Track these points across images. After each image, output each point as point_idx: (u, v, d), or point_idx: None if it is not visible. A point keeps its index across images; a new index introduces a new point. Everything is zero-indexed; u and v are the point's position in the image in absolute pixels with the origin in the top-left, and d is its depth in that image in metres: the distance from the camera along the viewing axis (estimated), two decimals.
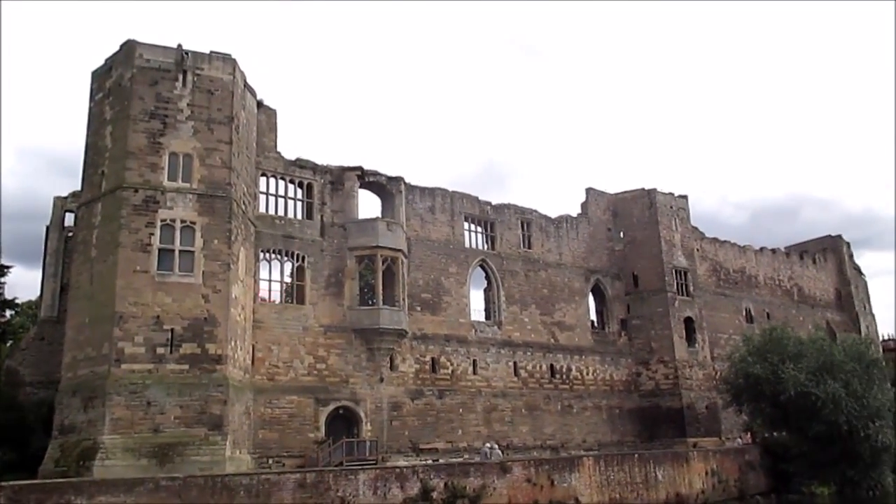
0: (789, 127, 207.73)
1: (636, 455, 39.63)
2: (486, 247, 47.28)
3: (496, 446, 41.11)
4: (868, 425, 42.26)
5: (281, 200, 38.48)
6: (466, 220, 46.55)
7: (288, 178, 38.68)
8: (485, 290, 47.30)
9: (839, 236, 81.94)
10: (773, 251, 72.30)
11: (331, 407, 36.19)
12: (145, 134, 31.00)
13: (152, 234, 29.92)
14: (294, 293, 37.65)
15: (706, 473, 41.64)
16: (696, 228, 60.55)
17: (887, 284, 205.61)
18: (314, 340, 36.79)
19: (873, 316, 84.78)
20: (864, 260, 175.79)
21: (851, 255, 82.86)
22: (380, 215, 41.59)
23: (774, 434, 46.96)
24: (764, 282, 68.50)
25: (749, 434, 51.03)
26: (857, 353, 47.08)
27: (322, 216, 39.04)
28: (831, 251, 79.79)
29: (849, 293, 78.91)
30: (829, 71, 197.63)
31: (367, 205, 43.74)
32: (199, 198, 31.18)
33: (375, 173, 41.52)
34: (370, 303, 40.41)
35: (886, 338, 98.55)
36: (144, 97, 31.43)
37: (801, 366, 43.99)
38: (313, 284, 37.66)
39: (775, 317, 64.31)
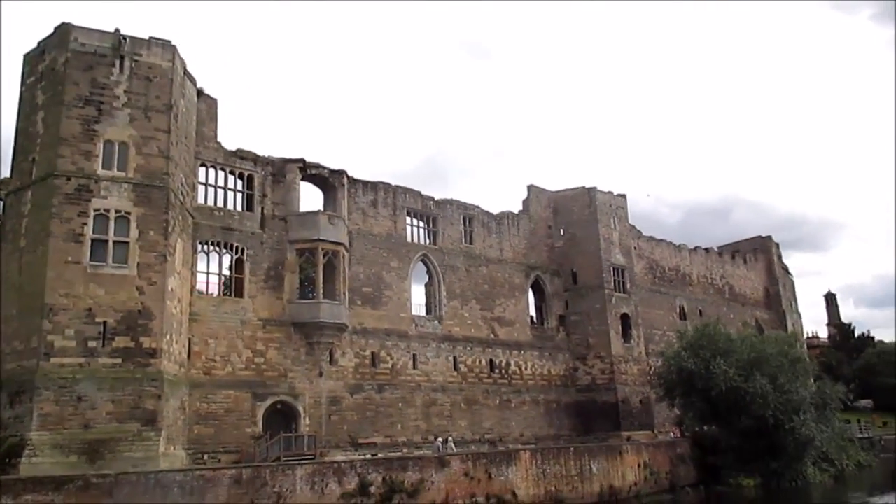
0: (723, 131, 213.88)
1: (572, 449, 40.38)
2: (427, 242, 47.38)
3: (451, 440, 41.50)
4: (792, 419, 44.01)
5: (220, 191, 37.75)
6: (409, 214, 46.56)
7: (228, 169, 37.99)
8: (426, 285, 47.42)
9: (769, 237, 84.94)
10: (707, 251, 74.51)
11: (269, 402, 35.74)
12: (79, 120, 30.02)
13: (85, 223, 29.03)
14: (233, 286, 37.01)
15: (639, 466, 42.69)
16: (633, 227, 61.89)
17: (813, 284, 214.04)
18: (252, 334, 36.28)
19: (799, 314, 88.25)
20: (792, 260, 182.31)
21: (780, 256, 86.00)
22: (321, 208, 41.25)
23: (705, 428, 48.43)
24: (697, 280, 70.54)
25: (677, 428, 52.57)
26: (783, 349, 49.00)
27: (263, 208, 38.50)
28: (761, 251, 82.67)
29: (777, 292, 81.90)
30: (763, 79, 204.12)
31: (309, 198, 43.37)
32: (135, 187, 30.38)
33: (318, 166, 41.16)
34: (310, 296, 40.05)
35: (810, 335, 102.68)
36: (79, 82, 30.43)
37: (731, 361, 45.53)
38: (252, 277, 37.13)
39: (707, 314, 66.29)
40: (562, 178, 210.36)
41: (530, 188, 56.49)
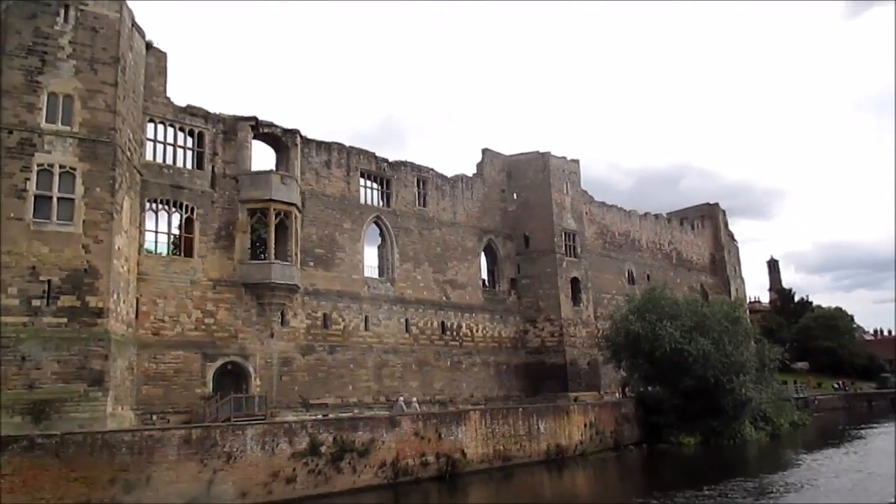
0: (676, 100, 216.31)
1: (520, 409, 41.20)
2: (381, 204, 47.18)
3: (414, 400, 41.97)
4: (732, 380, 45.66)
5: (170, 149, 36.78)
6: (363, 176, 46.19)
7: (177, 126, 37.05)
8: (379, 247, 47.34)
9: (716, 205, 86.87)
10: (656, 217, 75.87)
11: (219, 362, 35.52)
12: (21, 71, 28.82)
13: (28, 179, 28.07)
14: (182, 246, 36.43)
15: (585, 426, 43.83)
16: (585, 192, 62.57)
17: (757, 251, 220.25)
18: (202, 294, 35.85)
19: (742, 279, 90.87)
20: (738, 227, 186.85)
21: (726, 223, 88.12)
22: (274, 168, 40.65)
23: (649, 388, 49.90)
24: (646, 245, 71.90)
25: (621, 389, 54.08)
26: (726, 313, 50.61)
27: (213, 167, 37.76)
28: (708, 218, 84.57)
29: (722, 258, 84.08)
30: (713, 50, 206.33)
31: (261, 157, 42.73)
32: (81, 142, 29.45)
33: (270, 125, 40.46)
34: (262, 257, 39.66)
35: (753, 300, 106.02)
36: (21, 31, 29.12)
37: (676, 325, 46.86)
38: (202, 237, 36.55)
39: (655, 278, 67.75)
40: (516, 143, 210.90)
41: (485, 152, 56.50)
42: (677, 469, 38.27)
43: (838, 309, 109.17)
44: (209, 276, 36.25)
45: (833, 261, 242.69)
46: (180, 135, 37.22)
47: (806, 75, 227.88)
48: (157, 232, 35.86)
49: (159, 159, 36.21)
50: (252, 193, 38.18)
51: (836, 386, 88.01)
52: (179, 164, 36.84)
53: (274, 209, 38.23)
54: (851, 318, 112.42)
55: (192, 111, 37.60)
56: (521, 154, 57.94)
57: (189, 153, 37.43)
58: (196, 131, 37.62)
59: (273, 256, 38.02)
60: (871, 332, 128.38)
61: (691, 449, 44.46)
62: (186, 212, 36.36)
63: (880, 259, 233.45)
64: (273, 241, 38.08)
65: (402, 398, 41.50)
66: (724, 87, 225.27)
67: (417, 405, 40.74)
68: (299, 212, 40.05)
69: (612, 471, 39.82)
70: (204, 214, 36.72)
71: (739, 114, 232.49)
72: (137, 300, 33.24)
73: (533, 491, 34.06)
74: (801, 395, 69.15)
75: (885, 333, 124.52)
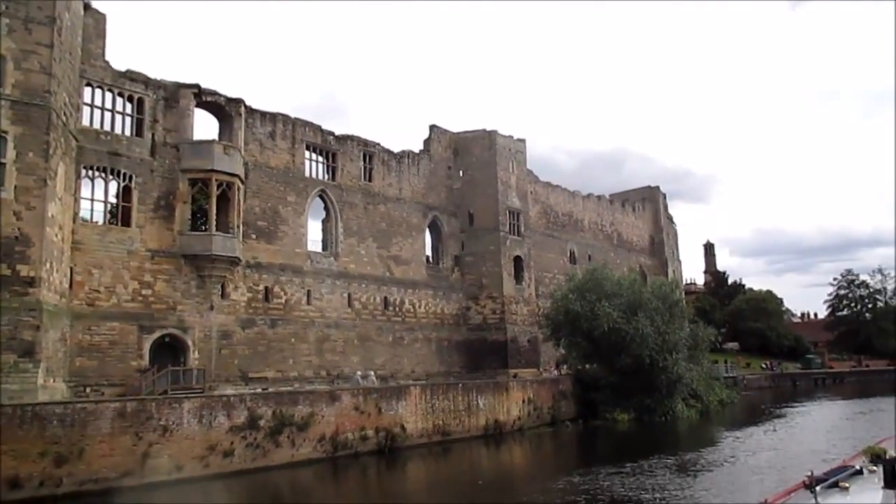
0: (619, 84, 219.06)
1: (460, 385, 41.77)
2: (326, 177, 46.73)
3: (371, 373, 42.07)
4: (666, 359, 47.16)
5: (108, 114, 35.56)
6: (308, 148, 45.64)
7: (116, 91, 35.86)
8: (323, 221, 46.97)
9: (657, 188, 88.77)
10: (599, 198, 77.16)
11: (156, 335, 34.85)
12: None
13: None
14: (119, 215, 35.39)
15: (523, 402, 44.73)
16: (531, 172, 63.13)
17: (694, 234, 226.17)
18: (140, 265, 35.03)
19: (680, 261, 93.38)
20: (676, 210, 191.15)
21: (666, 206, 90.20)
22: (217, 138, 39.85)
23: (587, 366, 51.11)
24: (588, 226, 73.13)
25: (556, 366, 55.27)
26: (663, 294, 52.08)
27: (153, 134, 36.75)
28: (649, 201, 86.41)
29: (661, 240, 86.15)
30: (655, 40, 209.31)
31: (204, 126, 41.82)
32: (14, 105, 28.26)
33: (214, 93, 39.55)
34: (202, 228, 38.99)
35: (689, 281, 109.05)
36: None
37: (615, 304, 48.02)
38: (141, 206, 35.64)
39: (596, 259, 69.06)
40: (464, 120, 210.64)
41: (432, 128, 56.40)
42: (609, 445, 39.43)
43: (769, 292, 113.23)
44: (147, 246, 35.42)
45: (766, 246, 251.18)
46: (119, 100, 36.05)
47: (746, 66, 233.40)
48: (93, 200, 34.70)
49: (97, 125, 35.03)
50: (193, 163, 37.35)
51: (763, 366, 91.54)
52: (118, 130, 35.69)
53: (216, 180, 37.51)
54: (781, 301, 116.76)
55: (131, 76, 36.44)
56: (469, 132, 58.04)
57: (128, 120, 36.30)
58: (136, 97, 36.50)
59: (214, 228, 37.38)
60: (799, 314, 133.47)
61: (625, 425, 45.81)
62: (124, 180, 35.35)
63: (810, 245, 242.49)
64: (214, 213, 37.42)
65: (359, 372, 41.76)
66: (664, 74, 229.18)
67: (375, 379, 41.05)
68: (242, 183, 39.40)
69: (547, 446, 40.80)
70: (143, 183, 35.78)
71: (679, 101, 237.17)
72: (71, 270, 32.33)
73: (470, 465, 34.69)
74: (731, 375, 71.69)
75: (812, 316, 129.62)
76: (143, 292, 34.86)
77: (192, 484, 25.94)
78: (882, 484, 12.15)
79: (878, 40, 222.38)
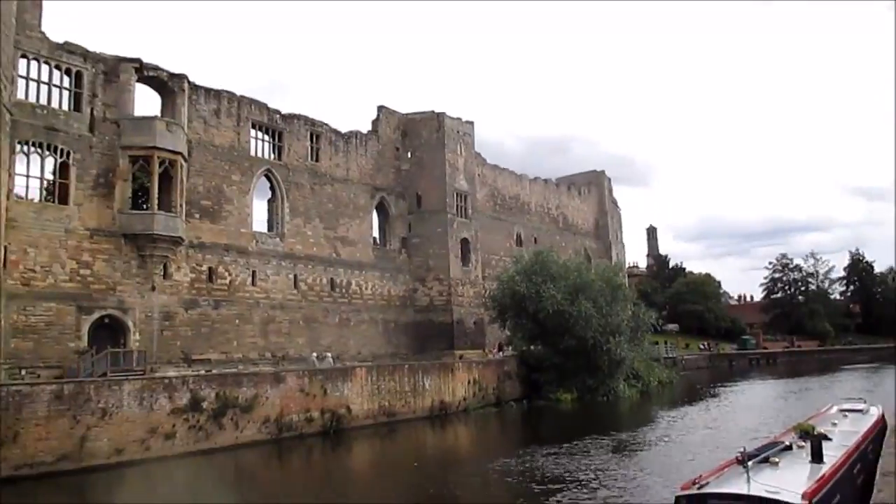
0: (566, 69, 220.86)
1: (406, 366, 41.98)
2: (272, 156, 46.11)
3: (328, 355, 41.89)
4: (609, 340, 48.24)
5: (44, 88, 34.34)
6: (254, 127, 44.91)
7: (53, 64, 34.60)
8: (269, 201, 46.40)
9: (602, 172, 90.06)
10: (545, 181, 77.98)
11: (95, 315, 34.02)
12: None
13: None
14: (56, 192, 34.35)
15: (469, 382, 45.19)
16: (479, 154, 63.39)
17: (637, 217, 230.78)
18: (78, 244, 34.07)
19: (623, 245, 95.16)
20: (621, 194, 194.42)
21: (611, 190, 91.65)
22: (159, 114, 38.88)
23: (532, 347, 51.88)
24: (535, 209, 73.90)
25: (497, 347, 56.03)
26: (607, 276, 53.12)
27: (92, 109, 35.64)
28: (595, 185, 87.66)
29: (606, 223, 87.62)
30: (603, 28, 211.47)
31: (146, 102, 40.79)
32: None
33: (156, 68, 38.55)
34: (144, 207, 38.06)
35: (631, 265, 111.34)
36: None
37: (560, 287, 48.82)
38: (79, 183, 34.60)
39: (542, 241, 69.92)
40: (412, 102, 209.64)
41: (380, 109, 56.08)
42: (551, 424, 40.12)
43: (708, 275, 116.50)
44: (86, 224, 34.45)
45: (706, 230, 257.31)
46: (56, 73, 34.81)
47: (688, 56, 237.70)
48: (28, 176, 33.49)
49: (32, 98, 33.79)
50: (134, 140, 36.39)
51: (701, 347, 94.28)
52: (55, 104, 34.50)
53: (158, 157, 36.63)
54: (719, 284, 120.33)
55: (69, 49, 35.20)
56: (417, 113, 57.89)
57: (66, 94, 35.10)
58: (74, 70, 35.31)
59: (156, 207, 36.56)
60: (736, 297, 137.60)
61: (568, 405, 46.74)
62: (62, 156, 34.25)
63: (748, 230, 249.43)
64: (156, 191, 36.59)
65: (315, 353, 41.65)
66: (609, 60, 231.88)
67: (332, 360, 40.94)
68: (185, 161, 38.58)
69: (491, 426, 41.38)
70: (81, 160, 34.74)
71: (624, 87, 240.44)
72: (6, 248, 31.22)
73: (414, 446, 34.95)
74: (671, 355, 73.63)
75: (748, 299, 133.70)
76: (82, 272, 33.95)
77: (132, 467, 25.56)
78: (810, 459, 12.75)
79: (813, 32, 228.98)
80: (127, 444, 26.06)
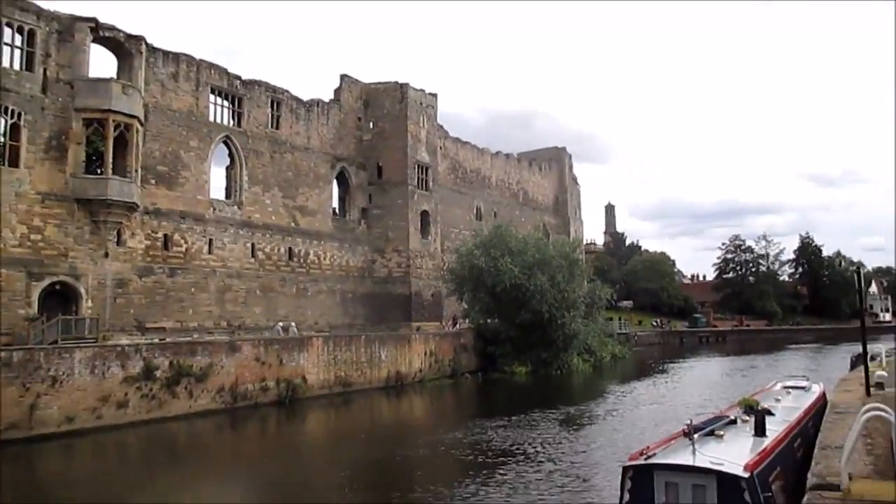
0: (530, 44, 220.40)
1: (363, 337, 42.30)
2: (231, 123, 45.32)
3: (293, 324, 41.79)
4: (564, 314, 49.18)
5: None
6: (213, 92, 43.98)
7: (5, 21, 33.18)
8: (227, 168, 45.71)
9: (563, 148, 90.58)
10: (507, 156, 78.20)
11: (46, 282, 33.23)
12: None
13: None
14: (6, 154, 33.27)
15: (425, 354, 45.78)
16: (441, 127, 63.21)
17: (595, 195, 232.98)
18: (29, 208, 33.10)
19: (582, 221, 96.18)
20: (580, 171, 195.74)
21: (571, 166, 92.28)
22: (115, 76, 37.84)
23: (489, 321, 52.52)
24: (496, 183, 74.17)
25: (452, 320, 56.65)
26: (564, 252, 53.92)
27: (45, 69, 34.49)
28: (555, 161, 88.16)
29: (565, 200, 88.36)
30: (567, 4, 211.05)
31: (101, 63, 39.62)
32: None
33: (112, 28, 37.43)
34: (98, 172, 37.14)
35: (589, 241, 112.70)
36: None
37: (517, 261, 49.44)
38: (31, 146, 33.56)
39: (502, 216, 70.36)
40: (375, 72, 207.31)
41: (343, 77, 55.43)
42: (504, 397, 40.91)
43: (663, 254, 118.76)
44: (37, 188, 33.52)
45: (662, 210, 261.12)
46: (7, 31, 33.48)
47: (651, 36, 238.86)
48: None
49: None
50: (89, 102, 35.41)
51: (654, 324, 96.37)
52: (6, 63, 33.21)
53: (113, 120, 35.70)
54: (673, 262, 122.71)
55: (21, 6, 33.89)
56: (380, 83, 57.38)
57: (17, 52, 33.88)
58: (26, 29, 34.05)
59: (111, 171, 35.71)
60: (690, 276, 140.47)
61: (522, 377, 47.66)
62: (12, 117, 33.15)
63: (704, 211, 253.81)
64: (111, 156, 35.73)
65: (280, 323, 41.61)
66: (572, 36, 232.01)
67: (296, 330, 40.88)
68: (141, 125, 37.73)
69: (446, 398, 41.99)
70: (33, 121, 33.71)
71: (586, 65, 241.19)
72: None
73: (369, 416, 35.40)
74: (624, 331, 75.22)
75: (701, 278, 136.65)
76: (32, 237, 33.09)
77: (83, 436, 25.48)
78: (753, 432, 13.35)
79: (772, 17, 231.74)
80: (78, 413, 25.91)
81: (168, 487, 19.61)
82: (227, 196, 44.85)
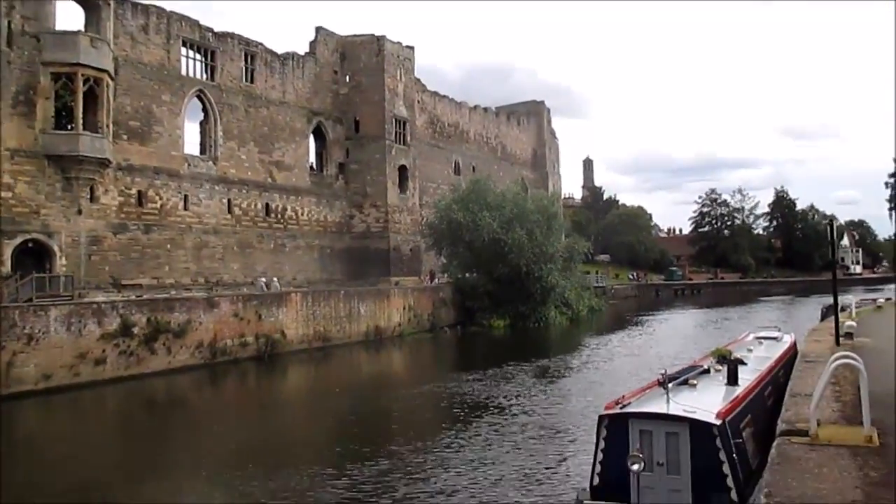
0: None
1: (342, 292, 42.41)
2: (205, 77, 44.46)
3: (275, 280, 41.67)
4: (542, 268, 49.63)
5: None
6: (185, 45, 43.01)
7: None
8: (201, 123, 44.95)
9: (542, 102, 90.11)
10: (485, 110, 77.69)
11: (18, 240, 32.67)
12: None
13: None
14: None
15: (404, 308, 46.07)
16: (418, 80, 62.51)
17: (573, 149, 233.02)
18: None
19: (560, 176, 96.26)
20: (559, 125, 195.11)
21: (549, 121, 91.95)
22: (83, 29, 36.82)
23: (467, 275, 52.82)
24: (474, 137, 73.81)
25: (430, 275, 56.94)
26: (542, 207, 54.12)
27: (10, 22, 33.38)
28: (534, 115, 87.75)
29: (543, 154, 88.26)
30: None
31: (68, 15, 38.52)
32: None
33: None
34: (68, 127, 36.17)
35: (567, 196, 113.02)
36: None
37: (496, 215, 49.59)
38: None
39: (480, 170, 70.15)
40: (351, 24, 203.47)
41: (318, 30, 54.38)
42: (482, 350, 41.37)
43: (640, 208, 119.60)
44: (6, 145, 32.71)
45: (639, 164, 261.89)
46: None
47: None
48: None
49: None
50: (56, 55, 34.45)
51: (630, 277, 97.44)
52: None
53: (82, 75, 34.81)
54: (650, 216, 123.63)
55: None
56: (357, 36, 56.40)
57: None
58: None
59: (81, 127, 34.93)
60: (666, 230, 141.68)
61: (501, 331, 48.19)
62: None
63: (680, 165, 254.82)
64: (81, 111, 34.94)
65: (262, 279, 41.50)
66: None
67: (279, 285, 40.82)
68: (111, 79, 36.89)
69: (424, 351, 42.43)
70: None
71: (565, 18, 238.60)
72: None
73: (348, 371, 35.72)
74: (601, 285, 75.98)
75: (677, 232, 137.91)
76: (3, 195, 32.39)
77: (61, 393, 25.51)
78: (726, 381, 13.69)
79: None
80: (55, 370, 25.88)
81: (148, 441, 19.77)
82: (202, 151, 44.25)
